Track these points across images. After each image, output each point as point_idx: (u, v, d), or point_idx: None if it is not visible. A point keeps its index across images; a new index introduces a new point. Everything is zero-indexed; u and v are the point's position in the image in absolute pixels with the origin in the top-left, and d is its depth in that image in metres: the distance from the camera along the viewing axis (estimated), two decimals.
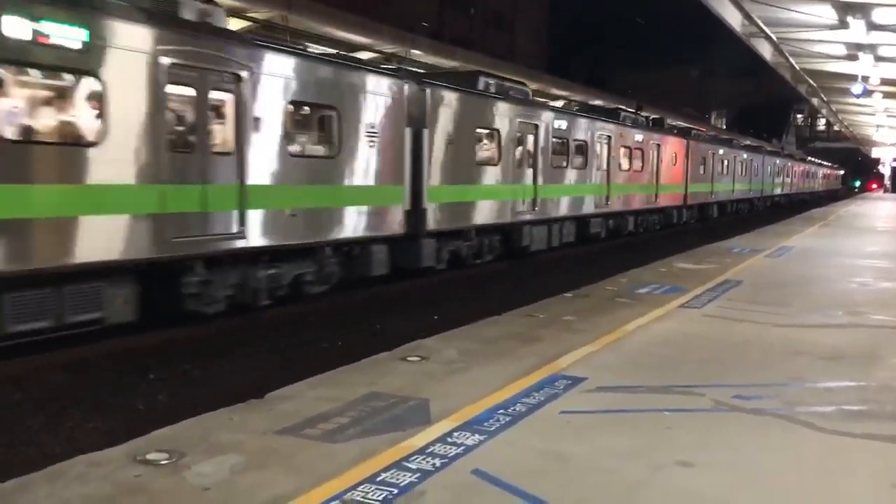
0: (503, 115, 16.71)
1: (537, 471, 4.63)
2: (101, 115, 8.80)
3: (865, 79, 27.62)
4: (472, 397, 5.95)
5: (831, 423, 5.68)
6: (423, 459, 4.69)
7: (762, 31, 23.88)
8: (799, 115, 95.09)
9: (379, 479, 4.40)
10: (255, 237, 10.66)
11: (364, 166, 12.70)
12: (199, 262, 10.09)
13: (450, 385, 6.36)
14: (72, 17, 8.35)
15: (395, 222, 13.62)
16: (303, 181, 11.48)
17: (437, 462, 4.66)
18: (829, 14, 20.67)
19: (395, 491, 4.25)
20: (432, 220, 14.54)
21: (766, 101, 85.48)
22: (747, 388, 6.49)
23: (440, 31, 48.30)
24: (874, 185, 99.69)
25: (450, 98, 15.00)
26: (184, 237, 9.68)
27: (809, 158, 71.85)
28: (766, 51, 27.79)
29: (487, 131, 16.44)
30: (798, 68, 31.07)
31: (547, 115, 18.89)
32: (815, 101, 45.11)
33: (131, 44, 8.98)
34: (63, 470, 4.45)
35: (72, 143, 8.69)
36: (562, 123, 19.63)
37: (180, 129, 9.93)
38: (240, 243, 10.47)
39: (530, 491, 4.31)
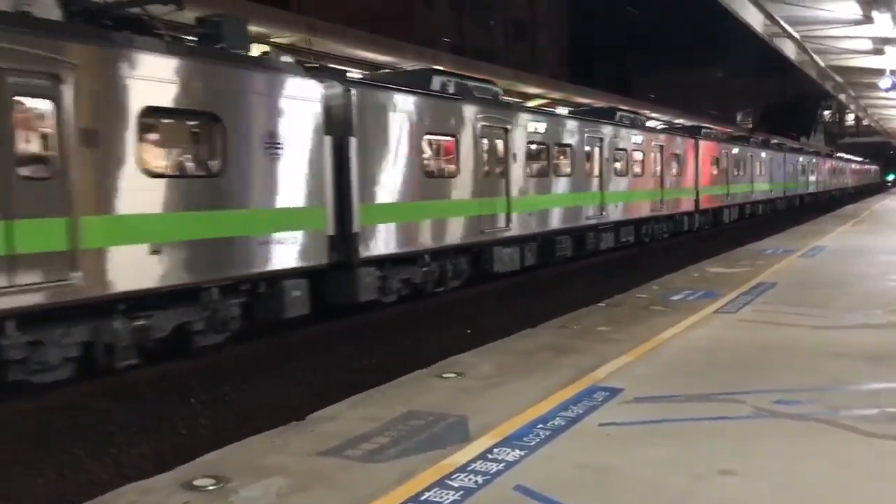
0: (732, 152, 32.28)
1: (580, 485, 4.65)
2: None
3: (894, 72, 27.26)
4: (510, 412, 5.98)
5: (876, 426, 5.62)
6: (465, 477, 4.72)
7: (785, 30, 23.69)
8: (827, 112, 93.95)
9: (423, 498, 4.44)
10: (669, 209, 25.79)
11: (688, 177, 26.90)
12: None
13: (487, 400, 6.38)
14: None
15: (691, 205, 27.28)
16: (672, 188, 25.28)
17: (479, 479, 4.69)
18: (853, 10, 20.45)
19: None
20: (701, 204, 28.07)
21: (793, 99, 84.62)
22: (788, 393, 6.44)
23: (462, 45, 48.48)
24: None
25: (705, 143, 29.16)
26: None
27: (853, 157, 78.02)
28: (790, 50, 27.55)
29: (715, 159, 30.10)
30: (823, 65, 30.75)
31: (729, 146, 32.85)
32: (842, 97, 44.54)
33: None
34: (114, 499, 4.54)
35: None
36: (736, 150, 33.32)
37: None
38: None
39: None
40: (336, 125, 11.47)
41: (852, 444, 5.32)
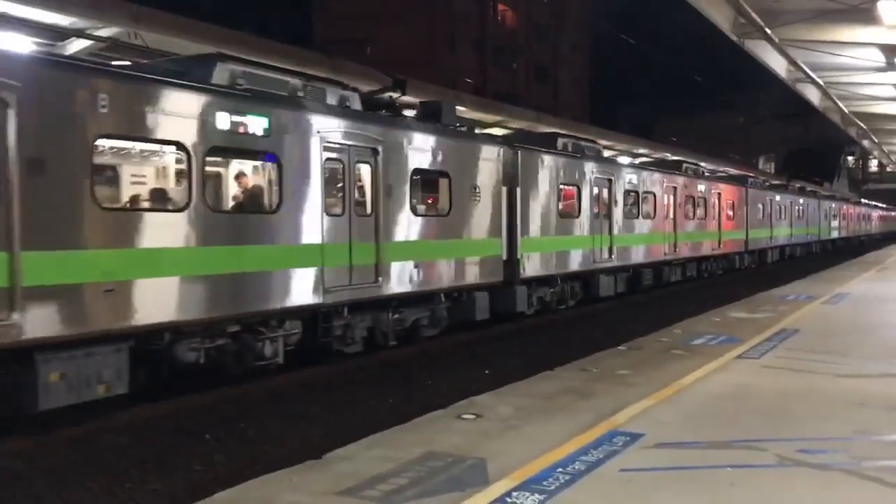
0: (776, 199, 35.84)
1: None
2: None
3: None
4: (529, 456, 5.91)
5: None
6: None
7: (808, 76, 23.76)
8: (850, 157, 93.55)
9: None
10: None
11: (740, 221, 30.27)
12: None
13: (506, 443, 6.32)
14: None
15: (741, 245, 30.50)
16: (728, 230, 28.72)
17: None
18: (876, 56, 20.50)
19: None
20: (750, 245, 31.75)
21: (816, 145, 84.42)
22: (811, 442, 6.33)
23: (483, 87, 48.95)
24: None
25: (753, 191, 32.43)
26: None
27: (878, 204, 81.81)
28: (813, 95, 27.59)
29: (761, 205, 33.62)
30: (847, 111, 30.75)
31: (773, 193, 36.14)
32: (866, 142, 44.48)
33: None
34: None
35: None
36: (779, 198, 36.36)
37: None
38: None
39: None
40: (508, 177, 15.47)
41: (879, 497, 5.21)
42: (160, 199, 9.76)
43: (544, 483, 5.32)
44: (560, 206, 17.47)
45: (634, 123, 65.85)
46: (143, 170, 10.07)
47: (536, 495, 5.08)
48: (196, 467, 7.84)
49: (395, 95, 14.41)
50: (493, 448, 6.15)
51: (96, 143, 8.40)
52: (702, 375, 9.01)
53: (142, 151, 9.75)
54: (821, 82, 24.87)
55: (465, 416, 7.16)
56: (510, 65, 59.32)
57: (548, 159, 17.12)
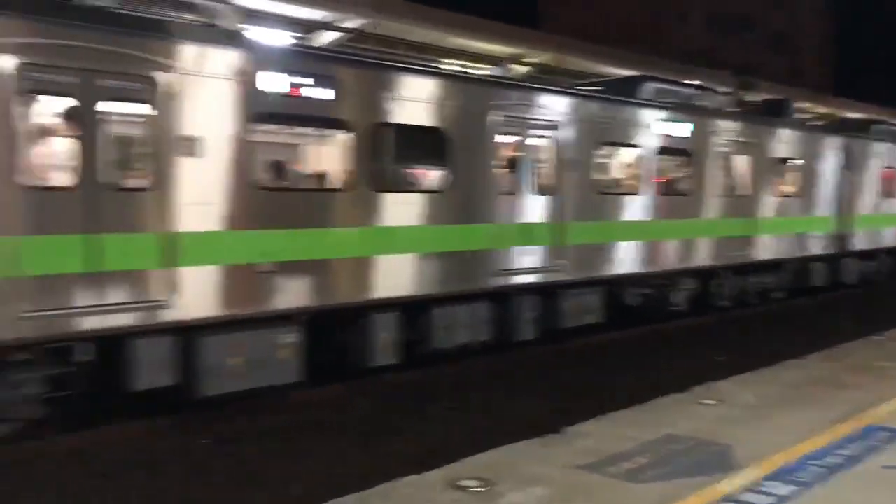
0: None
1: None
2: None
3: None
4: (778, 445, 5.64)
5: None
6: None
7: None
8: None
9: None
10: None
11: None
12: None
13: (752, 431, 6.08)
14: None
15: None
16: None
17: None
18: None
19: None
20: None
21: None
22: None
23: (714, 59, 46.62)
24: None
25: None
26: None
27: None
28: None
29: None
30: None
31: None
32: None
33: None
34: (389, 490, 4.87)
35: None
36: None
37: None
38: None
39: None
40: (839, 162, 17.54)
41: None
42: (625, 187, 12.98)
43: (797, 475, 5.07)
44: (880, 187, 19.08)
45: (886, 93, 59.81)
46: (618, 165, 13.37)
47: (790, 486, 4.85)
48: (433, 434, 8.21)
49: (743, 94, 18.04)
50: (737, 435, 5.94)
51: (594, 150, 11.97)
52: None
53: (618, 153, 13.12)
54: None
55: (706, 402, 6.96)
56: (744, 35, 55.99)
57: (870, 145, 18.98)
